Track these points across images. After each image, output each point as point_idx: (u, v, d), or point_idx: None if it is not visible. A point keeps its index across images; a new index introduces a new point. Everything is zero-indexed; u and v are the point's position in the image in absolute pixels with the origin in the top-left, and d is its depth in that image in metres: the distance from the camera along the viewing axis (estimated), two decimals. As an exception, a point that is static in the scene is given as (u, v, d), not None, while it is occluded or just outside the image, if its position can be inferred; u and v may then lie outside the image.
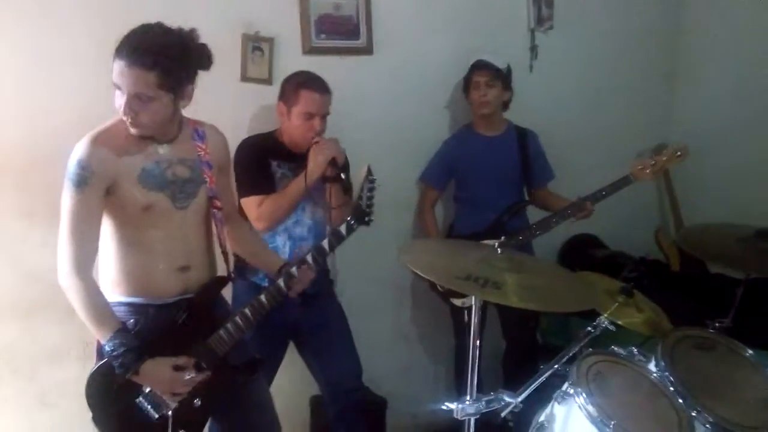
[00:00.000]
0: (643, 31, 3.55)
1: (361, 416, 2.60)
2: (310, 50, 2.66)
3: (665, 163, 2.68)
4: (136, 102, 1.65)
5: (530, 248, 2.88)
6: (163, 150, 1.80)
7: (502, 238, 1.79)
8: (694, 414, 1.75)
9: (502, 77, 2.78)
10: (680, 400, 1.76)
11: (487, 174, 2.84)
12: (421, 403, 2.83)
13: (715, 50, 3.51)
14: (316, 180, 2.27)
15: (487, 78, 2.75)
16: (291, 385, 2.79)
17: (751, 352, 1.91)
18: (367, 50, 2.79)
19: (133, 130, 1.71)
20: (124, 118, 1.69)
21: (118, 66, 1.62)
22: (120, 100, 1.66)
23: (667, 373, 1.83)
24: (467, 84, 2.83)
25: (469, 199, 2.92)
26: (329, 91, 2.36)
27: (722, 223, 2.29)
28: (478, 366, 2.96)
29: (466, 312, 2.49)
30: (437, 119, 3.07)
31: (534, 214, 2.93)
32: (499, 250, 1.72)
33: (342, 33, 2.72)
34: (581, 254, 3.38)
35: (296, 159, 2.34)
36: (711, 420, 1.73)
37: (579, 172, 3.14)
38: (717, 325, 2.07)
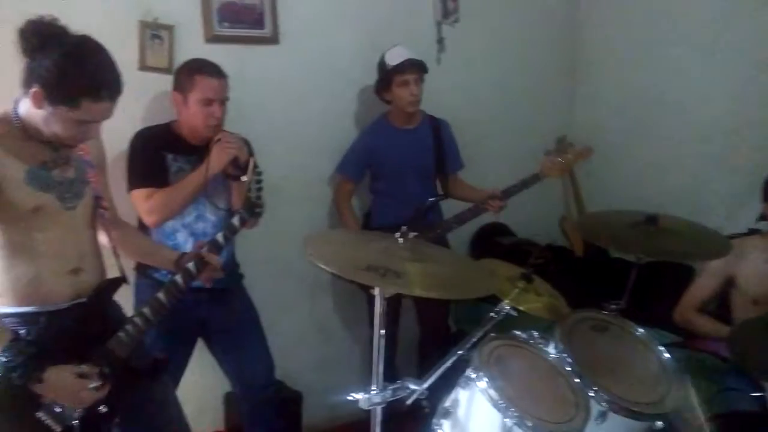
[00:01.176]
0: (545, 28, 3.68)
1: (274, 412, 2.58)
2: (212, 38, 2.59)
3: (571, 161, 2.81)
4: None
5: (445, 240, 2.93)
6: (48, 150, 1.71)
7: (402, 229, 1.79)
8: (591, 394, 1.82)
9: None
10: (577, 380, 1.83)
11: (404, 167, 2.87)
12: (339, 395, 2.84)
13: (610, 49, 3.68)
14: (215, 175, 2.22)
15: (416, 75, 2.74)
16: (204, 383, 2.74)
17: (641, 330, 2.01)
18: (273, 40, 2.74)
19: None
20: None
21: None
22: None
23: (565, 355, 1.89)
24: (388, 81, 2.76)
25: (386, 191, 2.93)
26: (225, 75, 2.30)
27: (617, 210, 2.39)
28: (395, 355, 3.03)
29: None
30: (348, 111, 3.06)
31: (447, 208, 2.98)
32: (400, 240, 1.73)
33: (246, 21, 2.66)
34: (491, 242, 3.46)
35: (195, 152, 2.28)
36: (606, 398, 1.81)
37: (487, 163, 3.22)
38: (613, 307, 2.16)
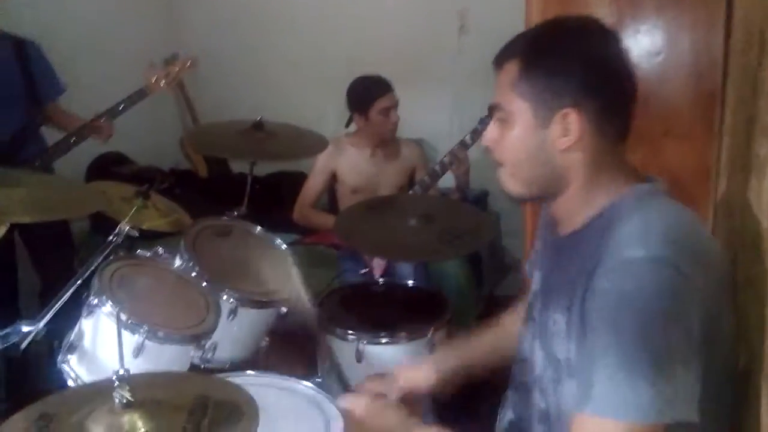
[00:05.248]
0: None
1: None
2: None
3: (178, 73, 2.74)
4: None
5: (53, 172, 2.65)
6: None
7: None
8: (223, 296, 1.88)
9: None
10: (204, 284, 1.87)
11: None
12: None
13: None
14: None
15: None
16: None
17: (259, 228, 2.14)
18: None
19: None
20: None
21: None
22: None
23: (191, 264, 1.91)
24: None
25: None
26: None
27: (224, 120, 2.46)
28: (17, 306, 2.68)
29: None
30: None
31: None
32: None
33: None
34: (108, 173, 3.25)
35: None
36: (235, 296, 1.89)
37: (88, 88, 2.97)
38: (234, 213, 2.25)
